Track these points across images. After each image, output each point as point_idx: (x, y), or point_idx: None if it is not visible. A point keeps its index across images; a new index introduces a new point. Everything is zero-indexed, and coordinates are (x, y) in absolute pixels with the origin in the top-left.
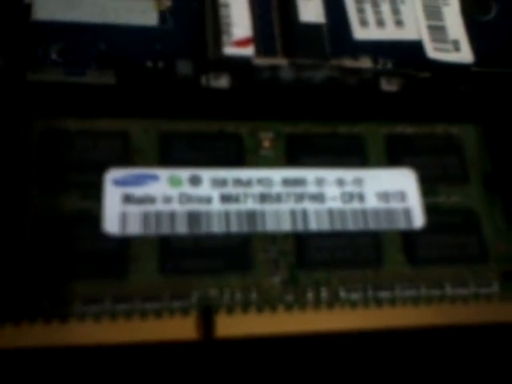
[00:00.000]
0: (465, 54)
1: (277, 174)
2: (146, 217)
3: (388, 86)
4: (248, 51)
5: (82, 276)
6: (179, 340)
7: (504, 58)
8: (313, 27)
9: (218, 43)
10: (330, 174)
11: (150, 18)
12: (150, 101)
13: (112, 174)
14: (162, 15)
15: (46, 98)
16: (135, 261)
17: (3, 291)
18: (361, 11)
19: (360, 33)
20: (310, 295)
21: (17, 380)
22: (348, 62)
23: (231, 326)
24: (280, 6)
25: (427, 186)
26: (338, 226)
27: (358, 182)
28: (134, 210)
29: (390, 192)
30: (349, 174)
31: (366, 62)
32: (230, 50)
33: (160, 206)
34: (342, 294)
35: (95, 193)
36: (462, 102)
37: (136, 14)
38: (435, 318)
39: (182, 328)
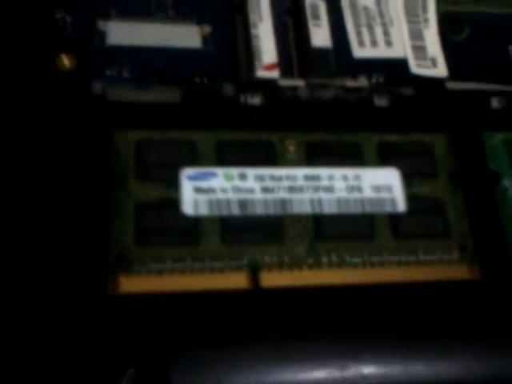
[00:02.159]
0: (441, 70)
1: (300, 172)
2: (210, 203)
3: (379, 101)
4: (274, 74)
5: (170, 243)
6: (236, 289)
7: (473, 73)
8: (322, 51)
9: (251, 68)
10: (338, 172)
11: (195, 42)
12: (207, 116)
13: (186, 172)
14: (204, 39)
15: (137, 115)
16: (204, 233)
17: (119, 255)
18: (358, 34)
19: (358, 52)
20: (324, 259)
21: (131, 325)
22: (349, 83)
23: (271, 279)
24: (296, 34)
25: (407, 181)
26: (343, 210)
27: (358, 177)
28: (202, 197)
29: (381, 185)
30: (351, 171)
31: (363, 81)
32: (261, 74)
33: (219, 195)
34: (347, 258)
35: (175, 185)
36: (435, 116)
37: (185, 39)
38: (412, 276)
39: (237, 281)
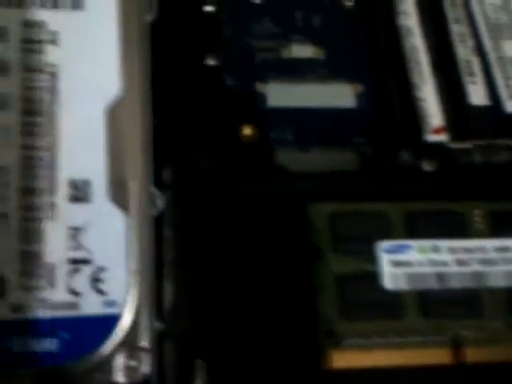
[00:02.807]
0: None
1: (489, 243)
2: (408, 276)
3: None
4: (443, 137)
5: (373, 318)
6: (439, 364)
7: None
8: (481, 109)
9: (421, 132)
10: None
11: (349, 101)
12: (390, 184)
13: (383, 245)
14: (358, 98)
15: (324, 186)
16: (405, 307)
17: (327, 329)
18: (508, 87)
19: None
20: None
21: None
22: None
23: (473, 354)
24: (447, 91)
25: None
26: None
27: None
28: (400, 271)
29: None
30: None
31: None
32: (430, 138)
33: (416, 269)
34: None
35: (371, 258)
36: None
37: (338, 98)
38: None
39: (440, 355)
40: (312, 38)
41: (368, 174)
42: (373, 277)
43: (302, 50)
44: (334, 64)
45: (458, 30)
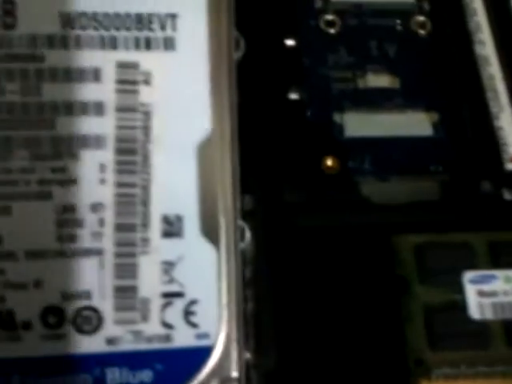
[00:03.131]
0: None
1: None
2: (494, 306)
3: None
4: None
5: (461, 347)
6: None
7: None
8: None
9: (500, 161)
10: None
11: (426, 130)
12: (473, 215)
13: (468, 275)
14: (434, 127)
15: (406, 217)
16: (492, 337)
17: (416, 359)
18: None
19: None
20: None
21: None
22: None
23: None
24: None
25: None
26: None
27: None
28: (486, 301)
29: None
30: None
31: None
32: (510, 166)
33: (502, 298)
34: None
35: (457, 288)
36: None
37: (415, 127)
38: None
39: None
40: (387, 67)
41: (450, 205)
42: (459, 307)
43: (378, 80)
44: (409, 93)
45: None
